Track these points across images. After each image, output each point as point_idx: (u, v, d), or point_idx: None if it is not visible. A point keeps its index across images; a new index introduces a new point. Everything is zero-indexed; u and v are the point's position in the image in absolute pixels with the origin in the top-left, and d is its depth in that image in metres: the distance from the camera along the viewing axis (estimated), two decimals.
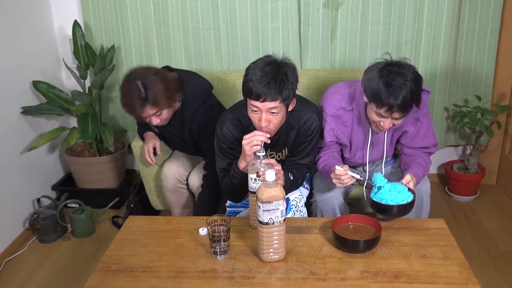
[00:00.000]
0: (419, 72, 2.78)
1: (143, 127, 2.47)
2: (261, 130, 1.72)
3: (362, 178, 1.83)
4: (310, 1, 2.76)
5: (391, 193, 1.72)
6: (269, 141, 1.70)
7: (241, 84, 1.73)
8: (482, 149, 2.97)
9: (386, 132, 1.94)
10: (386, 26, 2.79)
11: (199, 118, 2.22)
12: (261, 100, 1.66)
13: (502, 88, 2.95)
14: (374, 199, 1.74)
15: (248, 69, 1.72)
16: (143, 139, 2.47)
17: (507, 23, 2.82)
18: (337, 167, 1.79)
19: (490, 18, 2.80)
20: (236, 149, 1.90)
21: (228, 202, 2.09)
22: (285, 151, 1.99)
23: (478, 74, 2.93)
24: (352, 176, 1.79)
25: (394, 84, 1.68)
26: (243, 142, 1.70)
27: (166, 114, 2.13)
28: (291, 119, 1.88)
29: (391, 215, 1.74)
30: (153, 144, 2.38)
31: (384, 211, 1.73)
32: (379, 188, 1.77)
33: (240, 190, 1.87)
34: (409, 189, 1.77)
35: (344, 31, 2.81)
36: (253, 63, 1.73)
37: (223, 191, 1.99)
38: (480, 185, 3.05)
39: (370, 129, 1.95)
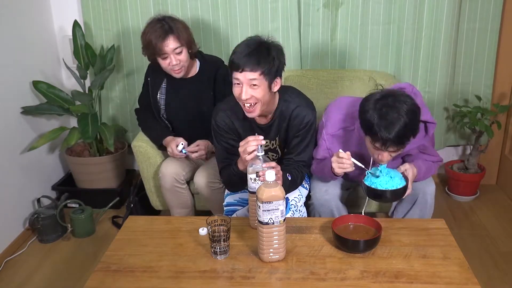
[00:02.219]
0: (419, 72, 2.83)
1: (159, 134, 2.46)
2: (242, 103, 1.77)
3: (364, 167, 1.81)
4: (310, 1, 2.76)
5: (383, 178, 1.74)
6: (264, 143, 1.69)
7: None
8: (482, 149, 2.96)
9: None
10: (386, 26, 2.79)
11: (223, 71, 2.33)
12: (240, 70, 1.70)
13: (502, 88, 2.95)
14: (366, 183, 1.76)
15: (235, 46, 1.78)
16: (161, 148, 2.48)
17: (507, 23, 2.81)
18: (341, 150, 1.78)
19: (490, 18, 2.80)
20: (232, 138, 1.93)
21: (225, 201, 2.10)
22: (277, 139, 1.99)
23: (478, 74, 2.93)
24: (355, 164, 1.79)
25: (387, 119, 1.64)
26: (240, 149, 1.71)
27: (185, 57, 2.25)
28: (284, 108, 1.91)
29: (383, 199, 1.79)
30: (176, 142, 2.36)
31: (375, 195, 1.76)
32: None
33: (239, 184, 1.92)
34: (403, 176, 1.77)
35: (344, 31, 2.81)
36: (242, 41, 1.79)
37: (222, 181, 2.02)
38: (480, 185, 3.04)
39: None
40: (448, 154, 3.19)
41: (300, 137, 1.94)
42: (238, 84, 1.75)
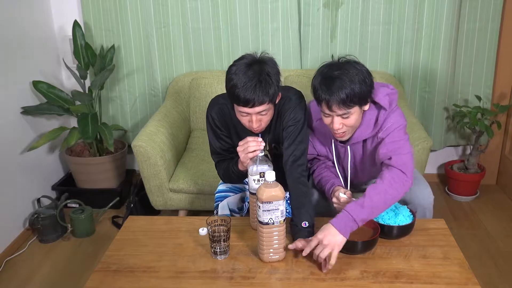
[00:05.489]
0: (419, 72, 2.84)
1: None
2: (252, 130, 1.72)
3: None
4: (310, 1, 2.76)
5: (388, 213, 1.68)
6: (263, 146, 1.66)
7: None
8: (482, 149, 2.97)
9: (349, 147, 1.84)
10: (386, 26, 2.79)
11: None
12: (250, 106, 1.63)
13: (502, 88, 2.95)
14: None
15: (230, 73, 1.66)
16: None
17: (507, 23, 2.82)
18: (341, 194, 1.75)
19: (490, 18, 2.80)
20: (224, 135, 1.90)
21: (217, 189, 2.06)
22: (267, 143, 1.90)
23: (478, 74, 2.93)
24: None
25: (330, 76, 1.60)
26: (238, 149, 1.70)
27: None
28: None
29: (389, 236, 1.65)
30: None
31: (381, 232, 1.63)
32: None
33: (237, 180, 1.93)
34: (410, 211, 1.71)
35: (344, 31, 2.81)
36: (233, 66, 1.67)
37: (218, 174, 1.98)
38: (480, 185, 3.05)
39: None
40: (448, 154, 3.19)
41: (292, 127, 1.81)
42: (245, 115, 1.69)
